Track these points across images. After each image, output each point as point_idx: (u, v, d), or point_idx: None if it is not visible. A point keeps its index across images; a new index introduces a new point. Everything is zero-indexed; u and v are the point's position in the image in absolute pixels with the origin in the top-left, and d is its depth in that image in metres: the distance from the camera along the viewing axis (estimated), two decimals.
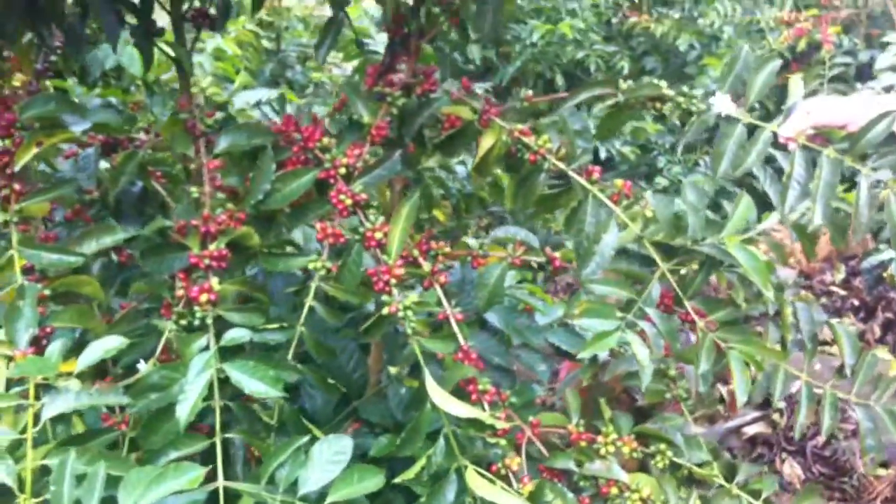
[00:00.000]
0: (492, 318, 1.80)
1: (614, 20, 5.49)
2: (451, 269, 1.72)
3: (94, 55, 2.52)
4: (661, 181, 4.52)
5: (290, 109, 2.92)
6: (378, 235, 1.44)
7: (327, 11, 5.08)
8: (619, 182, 1.63)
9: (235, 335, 1.28)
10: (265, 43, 4.33)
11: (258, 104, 2.76)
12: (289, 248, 1.64)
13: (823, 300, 3.77)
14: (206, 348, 1.29)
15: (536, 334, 1.81)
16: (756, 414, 2.73)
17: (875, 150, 1.54)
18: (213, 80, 3.15)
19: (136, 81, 2.70)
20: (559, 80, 4.91)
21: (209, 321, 1.32)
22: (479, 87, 3.68)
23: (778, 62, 1.68)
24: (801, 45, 4.62)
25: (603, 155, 4.20)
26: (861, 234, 1.54)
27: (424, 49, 1.70)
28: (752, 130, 1.65)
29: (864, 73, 4.35)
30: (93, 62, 2.53)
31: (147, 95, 2.64)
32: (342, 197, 1.45)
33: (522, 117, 1.64)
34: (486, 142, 1.64)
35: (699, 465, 1.64)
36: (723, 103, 1.63)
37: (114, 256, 1.66)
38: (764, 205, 1.70)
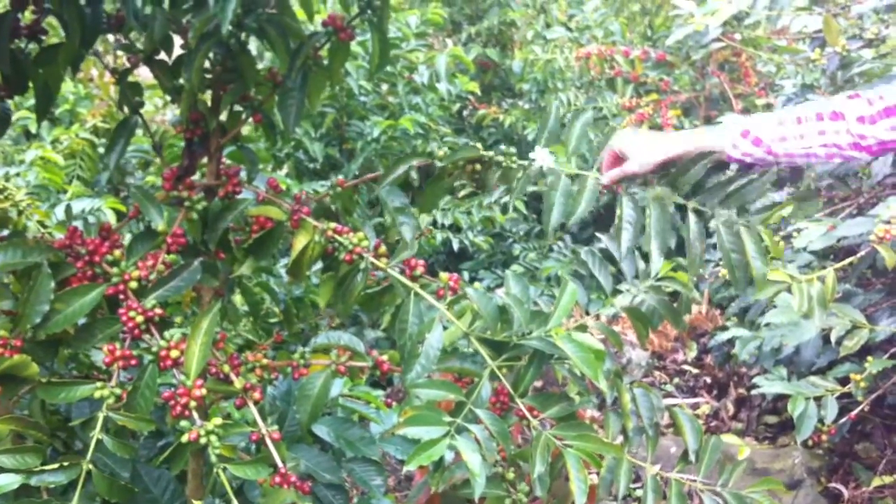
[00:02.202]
0: (321, 430, 1.68)
1: (465, 112, 5.54)
2: (272, 382, 1.60)
3: None
4: (518, 268, 4.51)
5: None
6: (174, 354, 1.31)
7: (169, 116, 4.95)
8: (444, 276, 1.56)
9: (2, 482, 1.12)
10: (103, 150, 4.16)
11: (80, 215, 2.60)
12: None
13: (677, 380, 3.77)
14: None
15: (370, 445, 1.70)
16: None
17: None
18: (34, 191, 2.98)
19: None
20: (413, 174, 4.88)
21: None
22: (323, 186, 3.59)
23: (590, 114, 1.69)
24: (644, 128, 4.72)
25: (456, 246, 4.17)
26: (696, 267, 1.56)
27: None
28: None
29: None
30: None
31: None
32: (132, 314, 1.32)
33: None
34: (299, 243, 1.55)
35: None
36: (543, 157, 1.63)
37: None
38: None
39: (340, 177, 1.61)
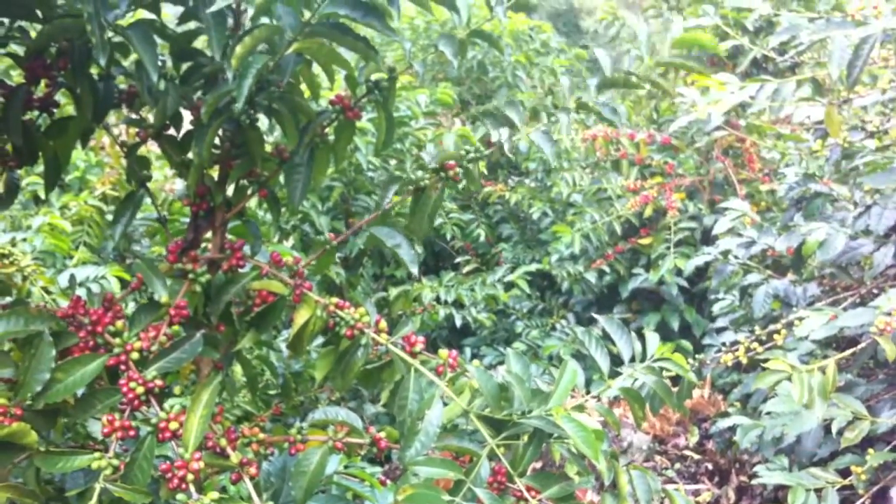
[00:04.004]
0: None
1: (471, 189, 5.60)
2: (268, 457, 1.59)
3: None
4: (520, 346, 4.51)
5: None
6: (173, 426, 1.31)
7: (179, 185, 5.01)
8: (443, 353, 1.57)
9: None
10: (111, 217, 4.20)
11: (84, 282, 2.62)
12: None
13: (678, 465, 3.73)
14: None
15: None
16: None
17: None
18: (40, 257, 3.00)
19: None
20: (419, 248, 4.91)
21: None
22: None
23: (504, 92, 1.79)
24: (648, 211, 4.75)
25: (458, 322, 4.18)
26: None
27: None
28: None
29: (710, 237, 4.48)
30: None
31: None
32: (133, 384, 1.32)
33: None
34: (301, 317, 1.56)
35: None
36: (501, 134, 1.74)
37: None
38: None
39: (334, 234, 1.64)
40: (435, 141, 4.63)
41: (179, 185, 4.57)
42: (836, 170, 3.47)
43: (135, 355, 1.37)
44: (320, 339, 1.65)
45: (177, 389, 1.58)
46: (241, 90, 1.29)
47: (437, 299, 4.21)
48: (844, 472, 2.71)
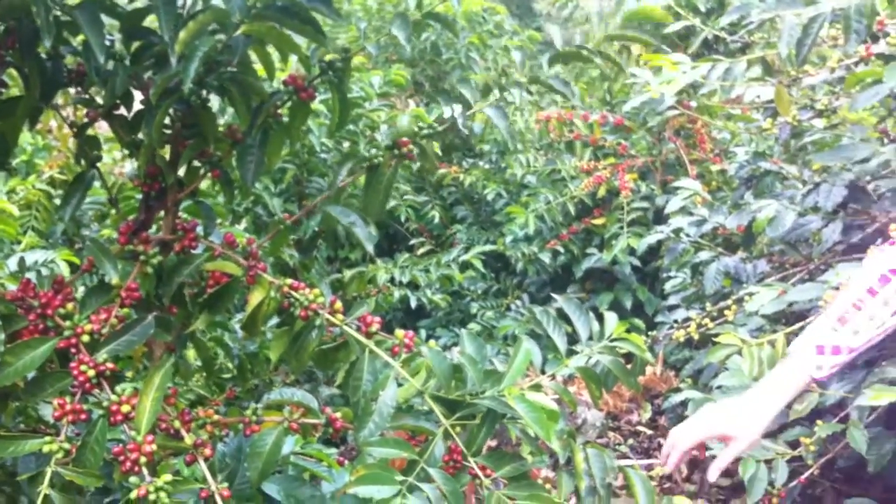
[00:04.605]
0: (271, 489, 1.66)
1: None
2: (222, 438, 1.59)
3: None
4: (475, 327, 4.52)
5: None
6: (125, 409, 1.30)
7: (128, 168, 4.93)
8: (399, 333, 1.57)
9: None
10: (59, 202, 4.14)
11: (33, 266, 2.58)
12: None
13: (631, 440, 3.78)
14: None
15: None
16: None
17: None
18: None
19: None
20: (373, 230, 4.88)
21: None
22: None
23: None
24: (601, 191, 4.78)
25: (414, 304, 4.18)
26: None
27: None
28: None
29: (662, 216, 4.52)
30: None
31: None
32: (84, 368, 1.31)
33: None
34: (255, 298, 1.55)
35: None
36: (455, 111, 1.72)
37: None
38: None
39: (288, 215, 1.63)
40: (389, 122, 4.62)
41: (129, 167, 4.52)
42: (785, 150, 3.51)
43: (86, 338, 1.35)
44: (275, 320, 1.64)
45: (129, 374, 1.57)
46: (188, 73, 1.28)
47: (392, 281, 4.21)
48: (794, 444, 2.75)
